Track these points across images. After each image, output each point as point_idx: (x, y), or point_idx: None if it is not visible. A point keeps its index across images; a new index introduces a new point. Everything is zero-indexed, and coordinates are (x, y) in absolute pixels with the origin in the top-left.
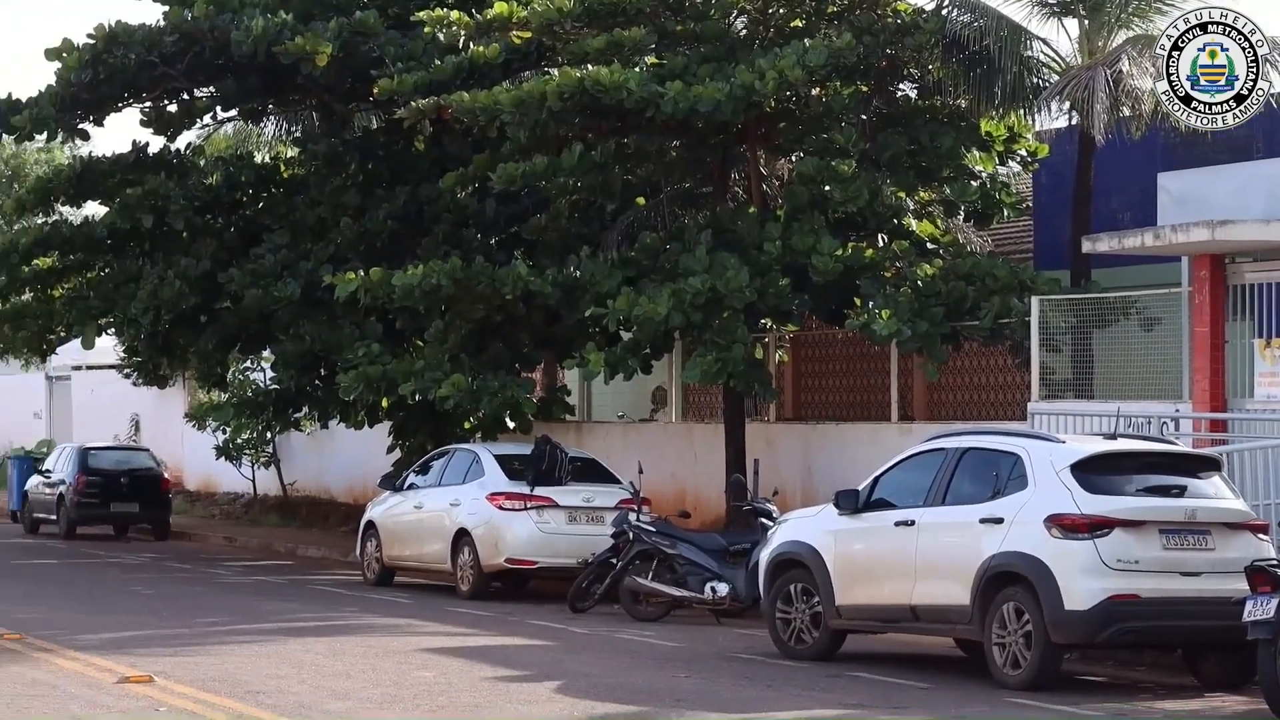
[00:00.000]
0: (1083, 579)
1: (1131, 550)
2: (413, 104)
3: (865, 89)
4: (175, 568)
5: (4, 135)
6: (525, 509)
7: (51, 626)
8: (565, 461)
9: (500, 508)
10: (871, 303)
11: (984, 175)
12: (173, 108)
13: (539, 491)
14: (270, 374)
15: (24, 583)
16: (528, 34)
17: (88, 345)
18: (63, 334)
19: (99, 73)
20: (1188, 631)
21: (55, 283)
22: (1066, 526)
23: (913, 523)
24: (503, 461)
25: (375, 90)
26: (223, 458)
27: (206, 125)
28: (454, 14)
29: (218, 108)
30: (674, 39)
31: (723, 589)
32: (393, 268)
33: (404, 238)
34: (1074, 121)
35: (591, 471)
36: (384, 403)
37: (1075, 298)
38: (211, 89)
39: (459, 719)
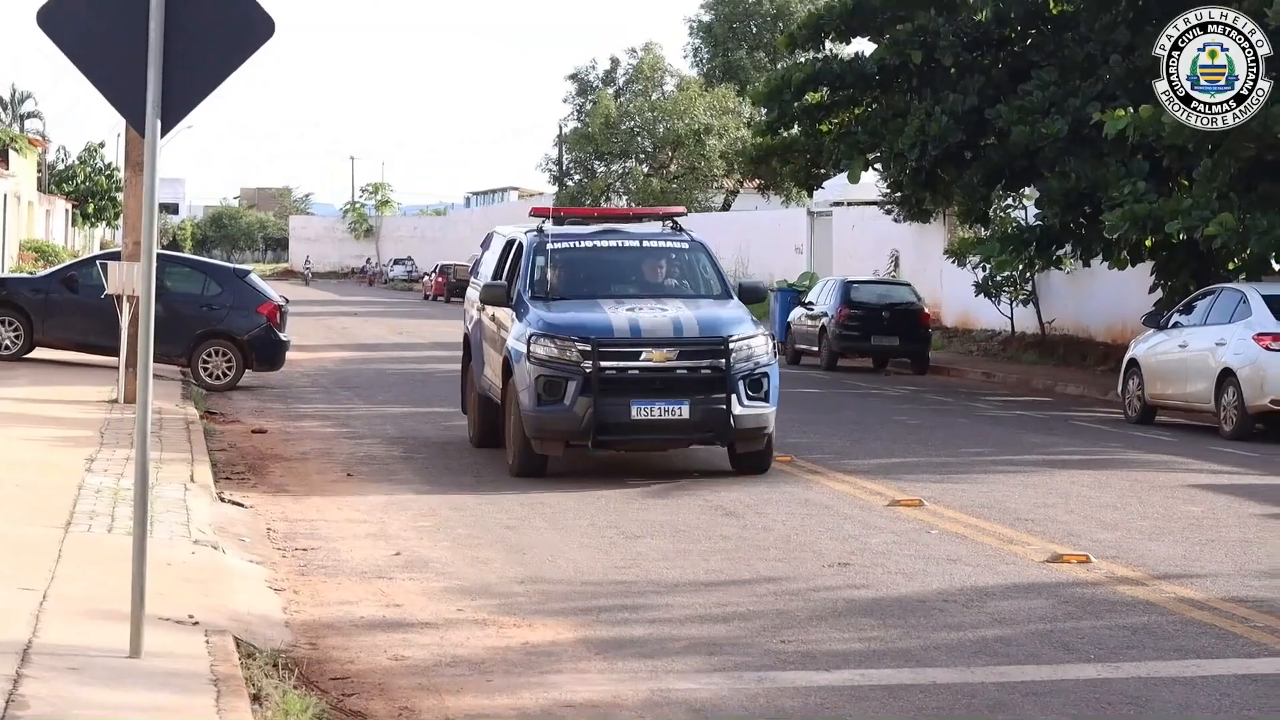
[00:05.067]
0: None
1: None
2: None
3: None
4: (936, 400)
5: None
6: None
7: (820, 451)
8: None
9: (1267, 348)
10: None
11: None
12: None
13: None
14: (1033, 211)
15: (791, 410)
16: None
17: (854, 179)
18: (829, 170)
19: None
20: None
21: (824, 118)
22: None
23: None
24: (1270, 302)
25: None
26: (981, 294)
27: None
28: None
29: None
30: None
31: None
32: (1160, 106)
33: None
34: None
35: None
36: (1147, 242)
37: None
38: None
39: (1230, 553)
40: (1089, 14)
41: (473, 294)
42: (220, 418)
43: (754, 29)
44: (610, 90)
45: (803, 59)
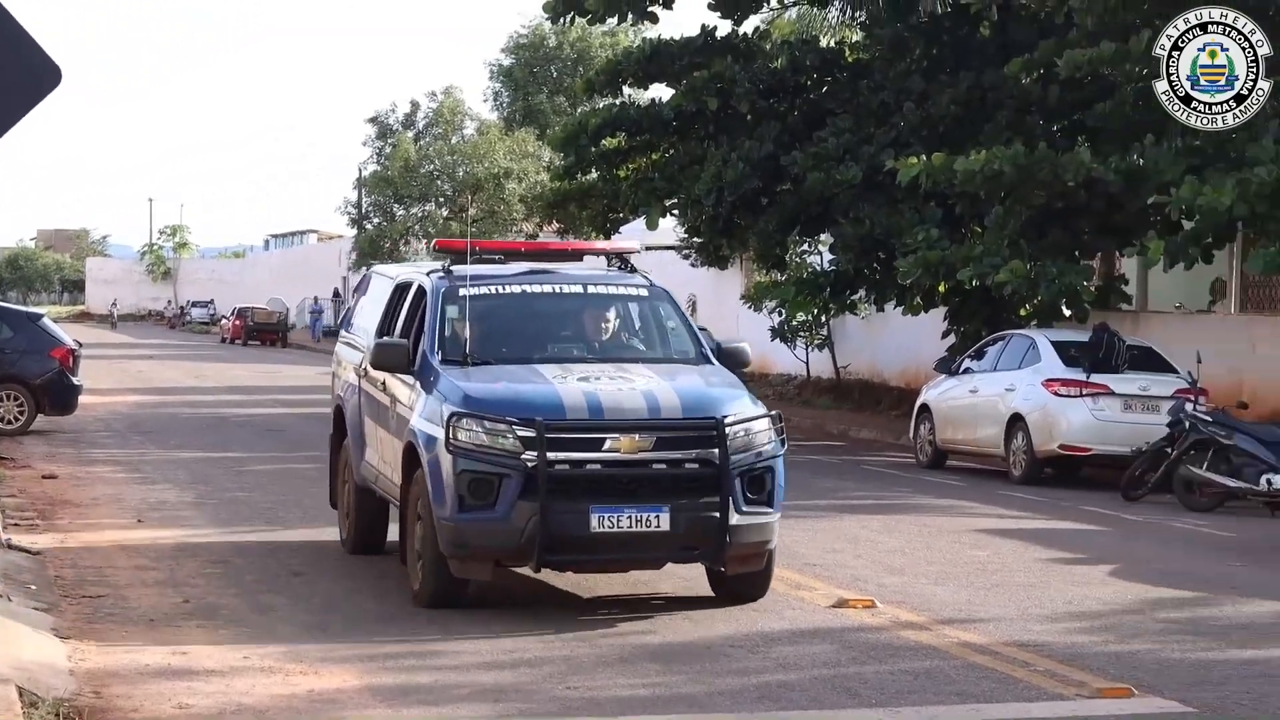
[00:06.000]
0: None
1: None
2: None
3: None
4: None
5: (576, 17)
6: (1081, 396)
7: None
8: (1122, 349)
9: (1056, 394)
10: None
11: None
12: None
13: (1095, 379)
14: (828, 256)
15: None
16: None
17: (652, 225)
18: (626, 215)
19: None
20: None
21: (621, 163)
22: None
23: None
24: (1059, 348)
25: None
26: (777, 339)
27: (773, 9)
28: None
29: None
30: None
31: (1279, 481)
32: (954, 153)
33: (966, 123)
34: None
35: (1148, 360)
36: (940, 288)
37: None
38: None
39: (1013, 597)
40: (884, 62)
41: (346, 353)
42: (10, 463)
43: (554, 73)
44: (410, 133)
45: (601, 104)
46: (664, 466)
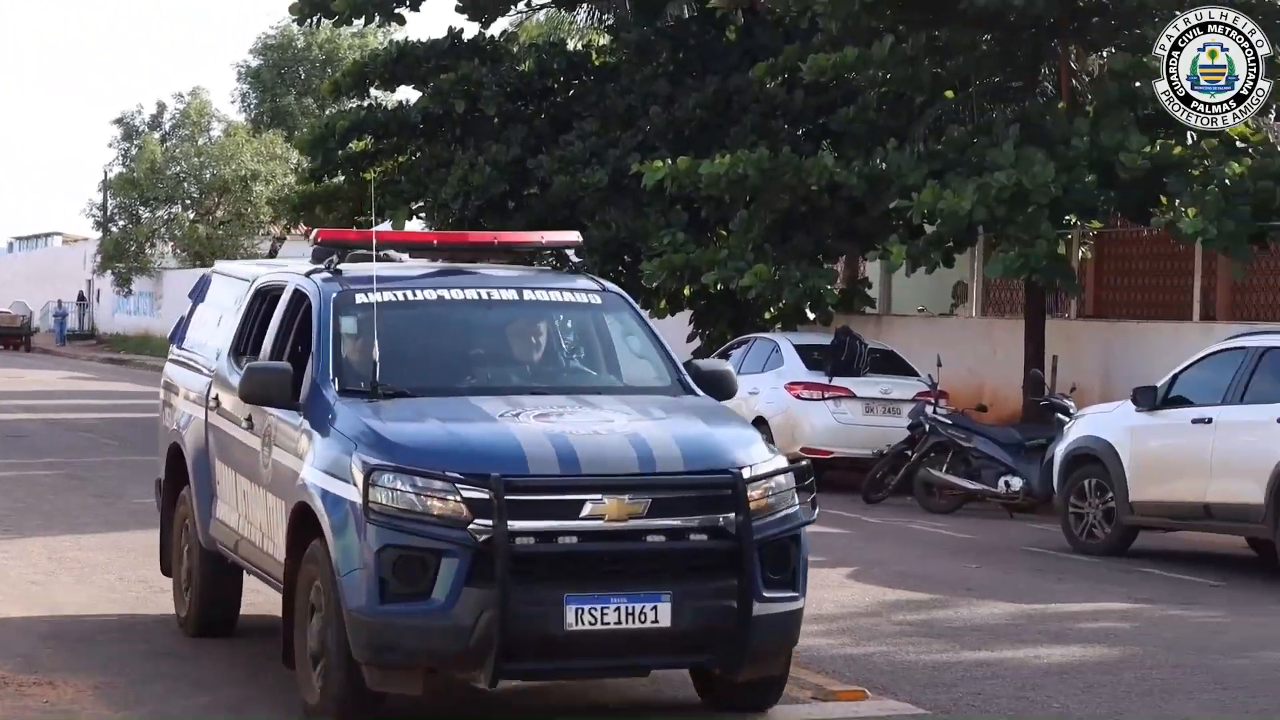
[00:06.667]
0: None
1: None
2: None
3: None
4: None
5: (322, 19)
6: (823, 399)
7: None
8: (864, 353)
9: (798, 397)
10: (1178, 201)
11: None
12: None
13: (837, 382)
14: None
15: None
16: None
17: (398, 228)
18: (374, 217)
19: None
20: None
21: (368, 166)
22: None
23: (1210, 420)
24: (802, 351)
25: None
26: None
27: (521, 12)
28: None
29: None
30: None
31: (1017, 483)
32: (700, 157)
33: (712, 127)
34: None
35: (890, 363)
36: (686, 291)
37: None
38: None
39: None
40: (630, 66)
41: (182, 376)
42: None
43: (303, 74)
44: (156, 135)
45: (348, 106)
46: (662, 539)
